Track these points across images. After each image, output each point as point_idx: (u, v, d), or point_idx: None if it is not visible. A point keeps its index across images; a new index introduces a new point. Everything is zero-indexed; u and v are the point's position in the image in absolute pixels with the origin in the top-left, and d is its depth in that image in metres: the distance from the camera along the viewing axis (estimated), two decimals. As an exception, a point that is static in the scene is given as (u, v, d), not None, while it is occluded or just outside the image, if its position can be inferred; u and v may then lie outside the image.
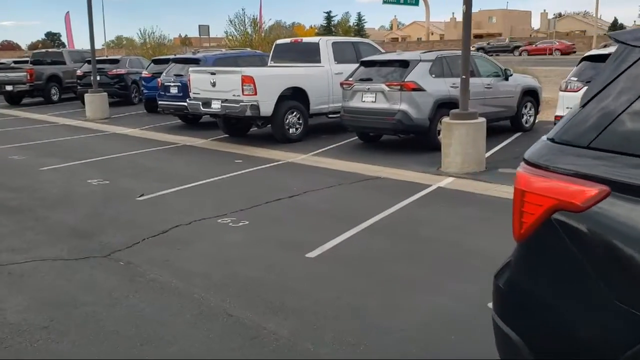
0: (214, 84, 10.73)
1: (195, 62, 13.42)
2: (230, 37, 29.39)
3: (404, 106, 9.16)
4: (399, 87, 9.22)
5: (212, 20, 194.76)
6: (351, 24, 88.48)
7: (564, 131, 2.05)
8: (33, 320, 3.81)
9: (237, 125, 11.75)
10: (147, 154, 10.43)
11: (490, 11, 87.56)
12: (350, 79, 10.04)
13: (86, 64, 18.81)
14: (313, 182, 7.64)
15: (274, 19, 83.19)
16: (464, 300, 3.95)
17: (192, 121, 13.94)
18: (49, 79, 20.55)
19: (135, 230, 5.72)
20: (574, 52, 47.61)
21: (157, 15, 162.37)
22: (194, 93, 11.27)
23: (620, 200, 1.78)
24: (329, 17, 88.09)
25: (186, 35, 73.83)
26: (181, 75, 13.20)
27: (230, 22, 28.93)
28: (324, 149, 10.10)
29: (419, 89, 9.20)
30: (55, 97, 20.78)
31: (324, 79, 11.36)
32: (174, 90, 13.36)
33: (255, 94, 10.22)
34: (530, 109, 11.32)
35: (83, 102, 16.72)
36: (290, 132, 10.85)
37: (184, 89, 12.57)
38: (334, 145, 10.43)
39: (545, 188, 1.97)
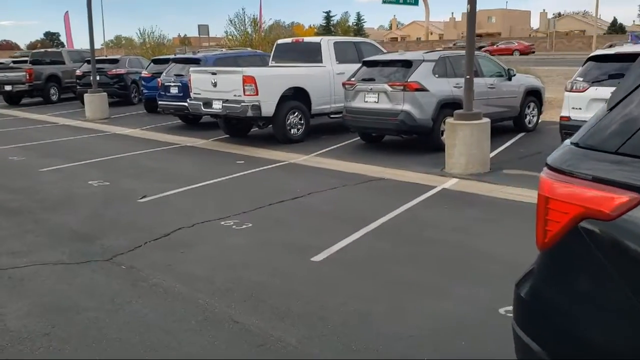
0: (215, 84, 10.65)
1: (195, 62, 13.34)
2: (231, 37, 29.43)
3: (407, 106, 9.08)
4: (402, 87, 9.14)
5: (211, 20, 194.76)
6: (350, 23, 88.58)
7: (589, 135, 1.97)
8: (34, 327, 3.72)
9: (238, 126, 11.67)
10: (147, 154, 10.34)
11: (489, 11, 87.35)
12: (353, 79, 9.96)
13: (85, 64, 18.71)
14: (316, 184, 7.56)
15: (273, 18, 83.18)
16: (472, 304, 3.88)
17: (192, 121, 13.86)
18: (48, 78, 20.45)
19: (137, 233, 5.64)
20: (533, 52, 52.44)
21: (156, 15, 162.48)
22: (194, 93, 11.19)
23: None
24: (328, 17, 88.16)
25: (185, 35, 73.67)
26: (181, 75, 13.13)
27: (231, 21, 29.08)
28: (326, 150, 10.01)
29: (422, 89, 9.12)
30: (54, 97, 20.69)
31: (325, 79, 11.28)
32: (174, 90, 13.28)
33: (257, 94, 10.13)
34: (533, 109, 11.25)
35: (82, 102, 16.66)
36: (292, 132, 10.76)
37: (184, 89, 12.49)
38: (336, 146, 10.34)
39: (570, 194, 1.89)
